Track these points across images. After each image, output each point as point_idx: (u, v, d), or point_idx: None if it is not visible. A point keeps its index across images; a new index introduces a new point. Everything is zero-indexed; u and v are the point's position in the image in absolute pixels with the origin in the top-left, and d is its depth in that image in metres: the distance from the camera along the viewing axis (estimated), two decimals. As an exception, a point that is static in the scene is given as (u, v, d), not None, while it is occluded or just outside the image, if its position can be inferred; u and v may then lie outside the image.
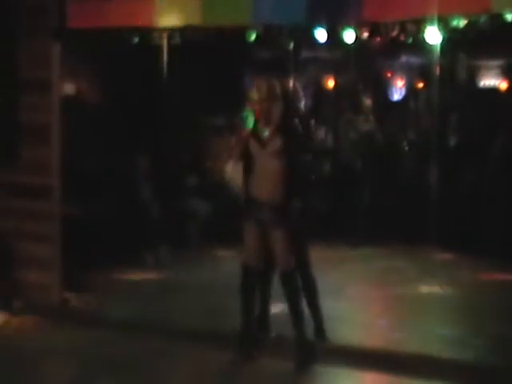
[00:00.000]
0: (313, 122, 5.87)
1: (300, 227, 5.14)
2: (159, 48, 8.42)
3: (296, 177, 5.00)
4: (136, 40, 6.22)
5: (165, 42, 8.43)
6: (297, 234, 5.09)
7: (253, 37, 6.00)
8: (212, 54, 8.48)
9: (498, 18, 5.19)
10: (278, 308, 5.59)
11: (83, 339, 5.58)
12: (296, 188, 5.00)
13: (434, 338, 5.54)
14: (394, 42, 6.18)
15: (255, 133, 5.06)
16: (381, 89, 10.90)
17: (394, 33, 5.65)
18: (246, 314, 5.13)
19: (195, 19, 5.79)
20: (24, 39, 6.25)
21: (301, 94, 5.48)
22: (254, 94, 5.08)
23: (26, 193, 6.24)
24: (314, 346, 5.12)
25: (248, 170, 5.06)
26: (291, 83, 5.53)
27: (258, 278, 5.13)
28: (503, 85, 10.36)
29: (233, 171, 9.04)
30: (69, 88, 8.56)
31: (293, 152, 4.98)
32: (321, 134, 9.72)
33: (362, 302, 6.62)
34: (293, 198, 4.96)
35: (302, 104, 5.49)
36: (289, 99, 5.29)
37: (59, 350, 5.36)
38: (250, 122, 5.13)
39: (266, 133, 5.02)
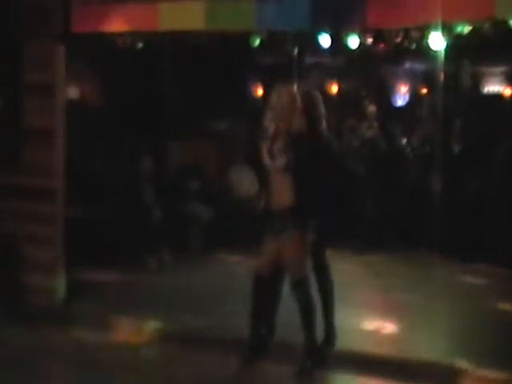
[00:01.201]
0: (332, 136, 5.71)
1: (318, 232, 5.11)
2: (162, 52, 8.45)
3: (308, 185, 4.92)
4: (140, 44, 6.24)
5: (168, 47, 8.47)
6: (314, 238, 5.06)
7: (256, 42, 6.01)
8: (215, 59, 8.50)
9: (502, 24, 5.20)
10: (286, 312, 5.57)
11: (85, 342, 5.58)
12: (309, 195, 4.92)
13: (438, 344, 5.52)
14: (398, 48, 6.19)
15: (271, 145, 4.97)
16: (384, 95, 10.91)
17: (398, 39, 5.65)
18: (254, 319, 5.12)
19: (199, 24, 5.79)
20: (28, 42, 6.26)
21: (322, 108, 5.35)
22: (274, 101, 4.98)
23: (29, 195, 6.25)
24: (322, 351, 5.10)
25: (262, 180, 5.04)
26: (314, 95, 5.40)
27: (268, 286, 5.10)
28: (507, 91, 10.36)
29: (236, 176, 9.07)
30: (72, 91, 8.59)
31: (306, 162, 4.90)
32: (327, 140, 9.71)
33: (365, 307, 6.60)
34: (305, 205, 4.91)
35: (324, 117, 5.35)
36: (311, 113, 5.19)
37: (59, 354, 5.35)
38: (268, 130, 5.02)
39: (279, 143, 4.93)
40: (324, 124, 5.33)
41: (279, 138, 4.94)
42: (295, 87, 5.19)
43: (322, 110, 5.33)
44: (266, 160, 4.97)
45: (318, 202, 5.04)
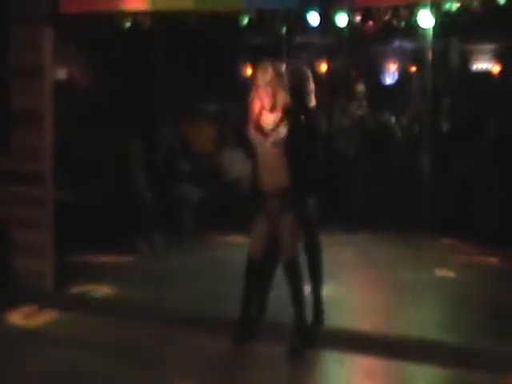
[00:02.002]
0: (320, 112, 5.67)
1: (310, 212, 5.14)
2: (151, 33, 8.38)
3: (301, 163, 4.89)
4: (128, 25, 6.19)
5: (157, 27, 8.41)
6: (307, 218, 5.07)
7: (245, 22, 5.98)
8: (204, 40, 8.45)
9: (491, 1, 5.19)
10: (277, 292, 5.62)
11: (77, 325, 5.59)
12: (302, 174, 4.91)
13: (427, 322, 5.57)
14: (387, 27, 6.18)
15: (257, 121, 4.92)
16: (373, 73, 10.90)
17: (387, 17, 5.64)
18: (246, 301, 5.14)
19: (187, 4, 5.75)
20: (16, 23, 6.20)
21: (311, 83, 5.32)
22: (259, 78, 4.92)
23: (18, 178, 6.22)
24: (312, 330, 5.14)
25: (252, 160, 4.99)
26: (303, 71, 5.37)
27: (261, 268, 5.11)
28: (496, 68, 10.38)
29: (228, 158, 9.06)
30: (61, 73, 8.54)
31: (297, 140, 4.85)
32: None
33: (356, 286, 6.64)
34: (298, 184, 4.89)
35: (312, 94, 5.31)
36: (298, 87, 5.16)
37: (50, 337, 5.36)
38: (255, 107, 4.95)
39: (270, 121, 4.90)
40: (313, 100, 5.31)
41: (268, 116, 4.90)
42: (282, 63, 5.14)
43: (311, 86, 5.31)
44: (255, 137, 4.93)
45: (310, 182, 5.04)
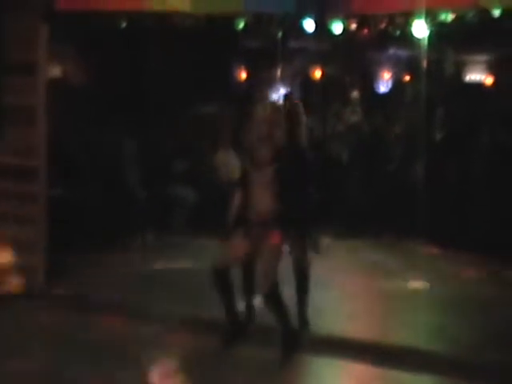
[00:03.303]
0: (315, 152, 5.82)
1: (300, 244, 5.28)
2: (147, 33, 8.40)
3: (291, 196, 5.00)
4: (124, 24, 6.21)
5: (153, 28, 8.42)
6: (297, 229, 5.18)
7: (241, 25, 6.01)
8: (200, 41, 8.47)
9: (485, 13, 5.24)
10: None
11: (66, 322, 5.59)
12: (292, 206, 5.00)
13: (419, 330, 5.60)
14: (382, 35, 6.23)
15: (252, 153, 5.05)
16: (368, 81, 10.94)
17: (382, 25, 5.69)
18: (227, 307, 5.17)
19: (184, 5, 5.78)
20: (10, 20, 6.20)
21: (304, 118, 5.43)
22: (257, 114, 5.06)
23: (10, 174, 6.22)
24: (298, 336, 5.15)
25: (242, 187, 5.05)
26: (297, 107, 5.47)
27: (229, 277, 5.13)
28: (489, 80, 10.44)
29: (222, 159, 9.06)
30: (55, 70, 8.53)
31: (289, 175, 4.99)
32: (309, 124, 9.74)
33: (347, 292, 6.65)
34: (287, 215, 4.98)
35: (304, 129, 5.43)
36: (293, 126, 5.27)
37: (40, 334, 5.36)
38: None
39: (265, 154, 4.99)
40: (304, 135, 5.41)
41: (264, 150, 5.00)
42: (279, 102, 5.23)
43: (304, 121, 5.41)
44: (249, 168, 5.03)
45: (298, 213, 5.12)
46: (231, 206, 5.14)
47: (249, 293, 5.48)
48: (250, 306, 5.48)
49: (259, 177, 4.98)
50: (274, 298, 4.95)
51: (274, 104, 5.16)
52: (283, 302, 5.03)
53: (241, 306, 5.38)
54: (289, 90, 10.55)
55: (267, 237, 4.93)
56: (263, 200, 4.96)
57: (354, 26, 5.74)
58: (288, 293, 5.23)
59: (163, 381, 4.58)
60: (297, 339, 5.08)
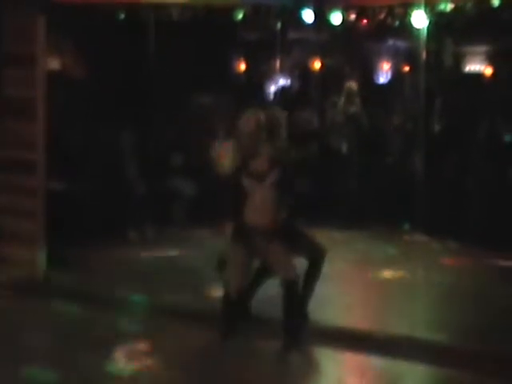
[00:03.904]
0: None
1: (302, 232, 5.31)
2: (146, 24, 8.38)
3: (289, 200, 5.10)
4: (122, 16, 6.19)
5: (152, 19, 8.41)
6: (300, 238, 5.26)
7: (240, 16, 6.00)
8: (199, 32, 8.45)
9: (484, 3, 5.24)
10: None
11: (65, 314, 5.60)
12: (289, 208, 5.09)
13: (415, 319, 5.61)
14: (381, 25, 6.22)
15: (246, 167, 5.05)
16: (367, 72, 10.91)
17: (381, 16, 5.68)
18: (226, 322, 5.17)
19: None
20: (8, 12, 6.18)
21: (283, 121, 5.44)
22: (241, 128, 5.06)
23: (10, 167, 6.22)
24: (301, 328, 5.17)
25: (239, 201, 5.05)
26: (273, 113, 5.47)
27: (238, 305, 5.15)
28: (488, 70, 10.42)
29: (219, 152, 9.05)
30: (54, 63, 8.51)
31: (288, 180, 5.06)
32: (306, 116, 9.73)
33: (343, 283, 6.66)
34: (285, 217, 5.05)
35: (283, 131, 5.44)
36: (275, 130, 5.28)
37: (40, 326, 5.37)
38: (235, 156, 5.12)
39: (261, 165, 5.02)
40: (283, 140, 5.42)
41: (258, 158, 5.02)
42: (261, 113, 5.19)
43: (283, 129, 5.42)
44: (248, 182, 5.03)
45: (294, 216, 5.18)
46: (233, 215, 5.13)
47: (253, 287, 5.47)
48: (250, 297, 5.48)
49: (262, 187, 5.01)
50: (292, 290, 4.96)
51: (256, 115, 5.09)
52: (297, 297, 5.06)
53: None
54: (283, 84, 10.56)
55: (269, 244, 4.96)
56: (266, 208, 4.99)
57: (352, 16, 5.73)
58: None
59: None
60: (299, 331, 5.09)
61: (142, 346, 5.00)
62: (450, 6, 5.37)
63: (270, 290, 5.24)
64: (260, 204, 5.00)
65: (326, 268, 6.45)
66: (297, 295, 5.06)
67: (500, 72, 10.09)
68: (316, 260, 5.41)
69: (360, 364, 4.90)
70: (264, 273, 5.36)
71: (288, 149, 5.33)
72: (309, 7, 5.64)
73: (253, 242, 5.01)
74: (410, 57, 10.17)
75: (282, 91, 10.73)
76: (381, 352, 4.96)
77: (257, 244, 5.01)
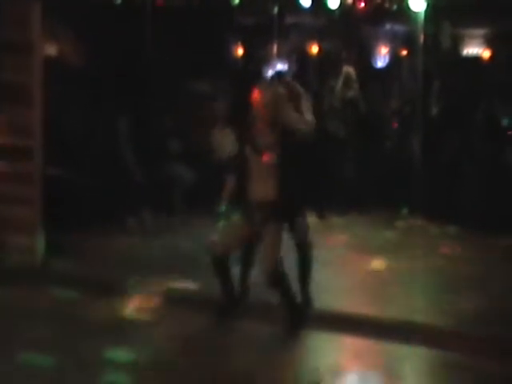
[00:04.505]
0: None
1: (299, 226, 5.30)
2: (142, 10, 8.34)
3: (290, 176, 5.02)
4: (119, 1, 6.15)
5: (148, 4, 8.36)
6: (294, 211, 5.21)
7: (237, 1, 5.97)
8: (196, 18, 8.42)
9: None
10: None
11: (64, 302, 5.61)
12: (291, 189, 5.04)
13: (415, 304, 5.65)
14: (379, 9, 6.19)
15: (252, 138, 5.02)
16: (365, 56, 10.88)
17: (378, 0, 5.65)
18: (225, 287, 5.20)
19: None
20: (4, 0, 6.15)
21: (306, 99, 5.39)
22: (258, 99, 4.98)
23: (6, 154, 6.21)
24: (302, 313, 5.19)
25: (241, 172, 5.04)
26: (295, 87, 5.42)
27: (228, 262, 5.14)
28: (486, 53, 10.40)
29: (219, 138, 9.04)
30: (50, 49, 8.48)
31: (290, 160, 4.99)
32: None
33: (343, 268, 6.67)
34: (286, 194, 5.00)
35: (309, 111, 5.37)
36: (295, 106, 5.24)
37: (38, 312, 5.38)
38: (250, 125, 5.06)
39: (265, 140, 4.97)
40: (310, 117, 5.36)
41: (265, 134, 4.98)
42: (280, 85, 5.14)
43: (306, 101, 5.36)
44: (251, 154, 5.00)
45: (299, 196, 5.17)
46: (226, 189, 5.13)
47: (246, 268, 5.50)
48: (245, 282, 5.49)
49: (260, 162, 4.96)
50: (277, 277, 4.96)
51: (274, 87, 5.05)
52: (287, 280, 5.05)
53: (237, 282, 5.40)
54: (280, 69, 10.51)
55: (268, 221, 4.94)
56: (264, 184, 4.96)
57: (350, 0, 5.69)
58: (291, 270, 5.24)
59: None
60: (301, 316, 5.12)
61: (141, 331, 5.02)
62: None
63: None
64: (257, 176, 4.98)
65: (325, 253, 6.49)
66: (284, 287, 5.01)
67: (498, 55, 10.08)
68: (302, 251, 5.41)
69: (358, 348, 4.91)
70: (252, 250, 5.35)
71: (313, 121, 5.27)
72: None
73: (251, 215, 5.00)
74: (408, 40, 10.15)
75: (280, 76, 10.70)
76: (379, 336, 4.97)
77: (255, 218, 5.00)
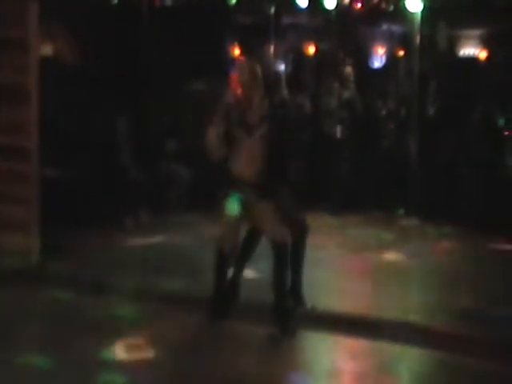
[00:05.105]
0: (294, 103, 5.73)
1: (286, 201, 5.25)
2: (139, 9, 8.33)
3: (280, 155, 5.06)
4: (116, 0, 6.15)
5: (145, 3, 8.36)
6: (288, 204, 5.19)
7: (234, 0, 5.96)
8: (192, 17, 8.41)
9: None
10: (254, 273, 5.66)
11: (60, 302, 5.60)
12: (280, 164, 5.06)
13: (410, 303, 5.65)
14: (375, 10, 6.19)
15: (239, 117, 5.03)
16: (361, 56, 10.88)
17: (375, 0, 5.65)
18: (219, 284, 5.21)
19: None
20: (1, -1, 6.14)
21: (283, 78, 5.43)
22: (237, 77, 5.05)
23: (3, 154, 6.19)
24: (293, 312, 5.18)
25: (230, 151, 5.04)
26: (272, 68, 5.48)
27: (231, 257, 5.16)
28: (482, 54, 10.41)
29: (212, 137, 9.04)
30: (47, 48, 8.46)
31: (278, 136, 5.03)
32: (301, 100, 9.71)
33: (340, 268, 6.68)
34: (277, 174, 5.02)
35: (284, 89, 5.41)
36: (272, 84, 5.26)
37: (35, 313, 5.37)
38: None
39: (251, 118, 5.00)
40: (285, 92, 5.39)
41: (250, 110, 5.00)
42: (257, 61, 5.18)
43: (282, 80, 5.39)
44: (238, 133, 5.01)
45: (290, 170, 5.16)
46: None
47: (240, 267, 5.49)
48: (238, 281, 5.48)
49: (251, 139, 4.98)
50: (282, 254, 4.94)
51: (250, 65, 5.11)
52: (288, 263, 5.04)
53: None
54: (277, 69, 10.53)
55: (259, 199, 4.94)
56: (254, 159, 4.98)
57: (347, 0, 5.69)
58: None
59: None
60: (291, 315, 5.11)
61: (138, 331, 5.01)
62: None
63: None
64: (248, 156, 5.00)
65: (321, 253, 6.49)
66: (286, 263, 5.02)
67: (494, 56, 10.09)
68: (298, 236, 5.35)
69: (354, 348, 4.92)
70: (254, 235, 5.34)
71: (283, 105, 5.33)
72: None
73: (244, 197, 5.00)
74: (405, 41, 10.15)
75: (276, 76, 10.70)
76: (375, 336, 4.98)
77: (245, 197, 5.00)
